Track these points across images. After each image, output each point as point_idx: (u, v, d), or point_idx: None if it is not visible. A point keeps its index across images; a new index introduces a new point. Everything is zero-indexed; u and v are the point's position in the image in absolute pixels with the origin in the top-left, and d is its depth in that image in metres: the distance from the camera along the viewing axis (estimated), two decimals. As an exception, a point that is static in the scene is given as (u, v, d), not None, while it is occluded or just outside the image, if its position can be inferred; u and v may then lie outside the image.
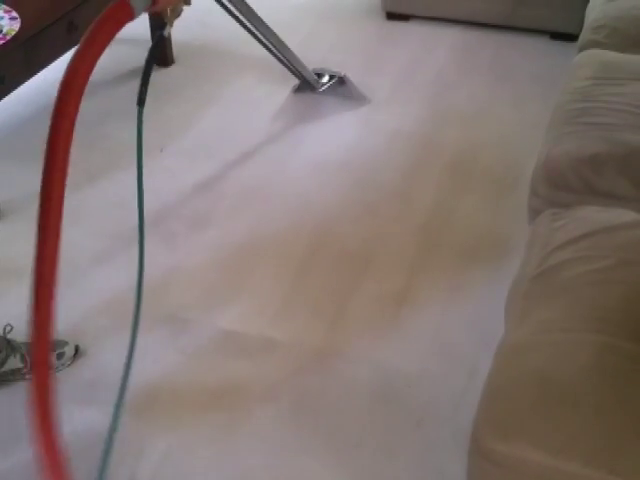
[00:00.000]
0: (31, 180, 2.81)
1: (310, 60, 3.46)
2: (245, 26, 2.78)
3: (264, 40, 2.84)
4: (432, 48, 3.59)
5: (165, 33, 1.95)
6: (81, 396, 1.97)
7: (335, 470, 1.79)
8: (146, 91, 1.90)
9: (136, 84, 3.36)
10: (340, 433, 1.88)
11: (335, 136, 2.99)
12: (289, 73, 3.38)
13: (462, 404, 1.92)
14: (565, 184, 1.97)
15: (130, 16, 1.47)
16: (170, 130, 3.01)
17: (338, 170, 2.80)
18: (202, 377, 2.02)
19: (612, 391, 1.36)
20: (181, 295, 2.27)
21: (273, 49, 2.89)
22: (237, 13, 2.74)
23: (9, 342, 1.98)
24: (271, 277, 2.34)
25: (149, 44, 3.34)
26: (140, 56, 3.51)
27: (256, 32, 2.81)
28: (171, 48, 3.40)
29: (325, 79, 3.16)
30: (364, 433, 1.88)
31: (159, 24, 3.27)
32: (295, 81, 3.19)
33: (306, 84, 3.12)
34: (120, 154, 2.87)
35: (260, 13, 3.84)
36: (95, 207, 2.60)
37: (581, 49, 2.56)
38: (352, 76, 3.36)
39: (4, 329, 1.97)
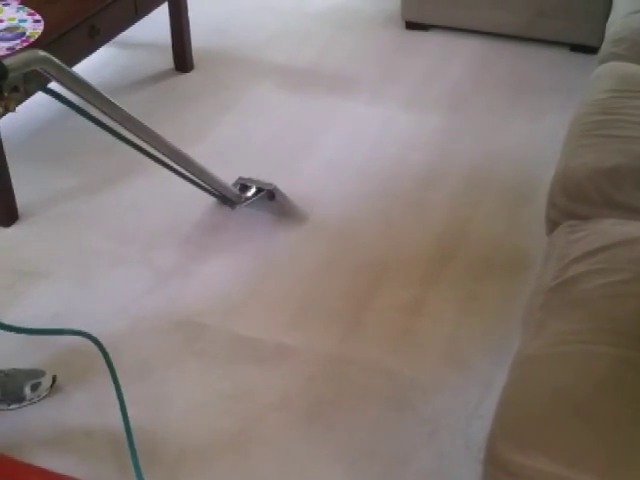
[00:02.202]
0: (49, 182, 2.86)
1: (327, 69, 3.48)
2: (133, 143, 2.23)
3: (163, 158, 2.30)
4: (451, 58, 3.59)
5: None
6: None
7: (346, 478, 1.79)
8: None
9: (155, 89, 3.41)
10: (353, 442, 1.87)
11: (351, 144, 2.99)
12: (305, 81, 3.39)
13: (475, 415, 1.91)
14: (583, 196, 1.96)
15: None
16: (187, 135, 3.02)
17: (353, 179, 2.80)
18: (216, 383, 2.02)
19: (628, 404, 1.36)
20: (196, 301, 2.27)
21: (177, 168, 2.35)
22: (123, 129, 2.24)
23: None
24: (285, 284, 2.34)
25: (169, 49, 3.39)
26: (159, 61, 3.55)
27: (153, 150, 2.28)
28: (191, 54, 3.42)
29: (251, 192, 2.57)
30: (376, 442, 1.87)
31: (178, 31, 3.30)
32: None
33: (225, 201, 2.58)
34: (137, 159, 2.87)
35: (277, 22, 3.90)
36: (112, 211, 2.62)
37: (601, 62, 2.55)
38: (369, 85, 3.38)
39: None
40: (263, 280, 2.35)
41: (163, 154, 2.27)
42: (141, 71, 3.45)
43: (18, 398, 1.93)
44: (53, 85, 1.95)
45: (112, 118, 2.16)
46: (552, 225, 2.00)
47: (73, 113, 3.19)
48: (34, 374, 1.97)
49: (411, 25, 3.82)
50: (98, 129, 2.99)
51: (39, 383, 1.96)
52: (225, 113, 3.16)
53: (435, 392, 2.00)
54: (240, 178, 2.60)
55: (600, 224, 1.84)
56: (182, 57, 3.40)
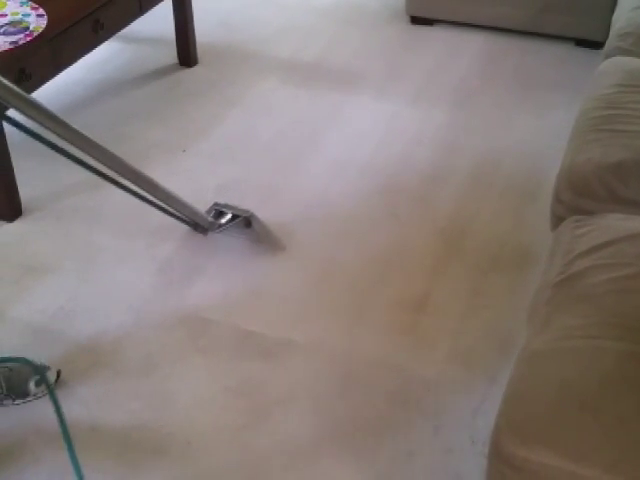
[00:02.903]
0: (54, 177, 2.86)
1: (333, 64, 3.48)
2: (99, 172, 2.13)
3: (130, 185, 2.19)
4: (456, 53, 3.58)
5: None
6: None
7: (353, 473, 1.79)
8: None
9: (159, 84, 3.42)
10: (358, 436, 1.87)
11: (356, 140, 2.99)
12: (310, 76, 3.39)
13: (480, 410, 1.91)
14: (589, 191, 1.96)
15: None
16: (192, 131, 3.02)
17: (359, 174, 2.80)
18: (221, 378, 2.02)
19: (633, 399, 1.35)
20: (201, 296, 2.27)
21: (145, 195, 2.23)
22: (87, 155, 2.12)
23: None
24: (291, 279, 2.34)
25: (173, 43, 3.39)
26: (163, 55, 3.55)
27: (120, 177, 2.16)
28: (195, 48, 3.41)
29: (225, 219, 2.45)
30: (382, 437, 1.87)
31: (182, 26, 3.29)
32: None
33: (197, 228, 2.46)
34: (143, 154, 2.88)
35: (283, 17, 3.89)
36: (117, 206, 2.62)
37: (607, 56, 2.55)
38: (375, 80, 3.37)
39: None
40: (268, 276, 2.35)
41: (129, 180, 2.15)
42: (145, 66, 3.45)
43: (23, 393, 1.93)
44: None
45: (71, 143, 2.05)
46: (557, 220, 2.00)
47: (78, 108, 3.21)
48: (39, 369, 1.96)
49: (416, 20, 3.82)
50: (104, 124, 3.02)
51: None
52: (229, 108, 3.16)
53: (440, 387, 2.00)
54: (215, 204, 2.48)
55: (606, 219, 1.84)
56: (186, 52, 3.40)
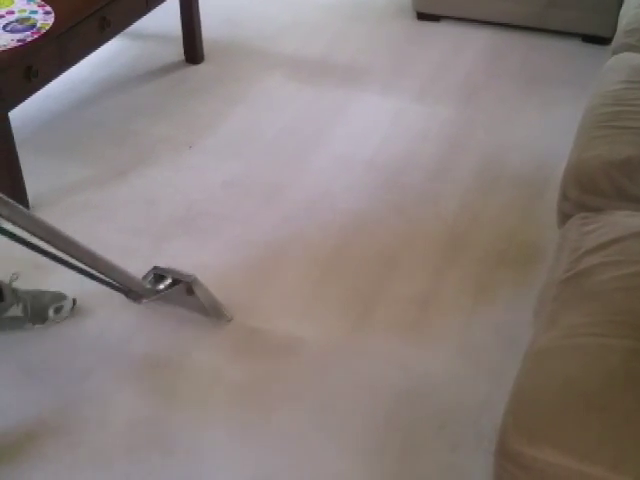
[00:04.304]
0: (60, 174, 2.87)
1: (338, 60, 3.47)
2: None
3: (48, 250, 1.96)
4: (462, 49, 3.58)
5: None
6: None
7: (358, 471, 1.79)
8: None
9: (165, 81, 3.43)
10: (363, 434, 1.87)
11: (362, 136, 2.99)
12: (316, 73, 3.39)
13: (487, 407, 1.91)
14: (596, 188, 1.95)
15: None
16: (198, 127, 3.02)
17: (365, 170, 2.79)
18: (227, 375, 2.02)
19: (639, 397, 1.35)
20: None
21: (64, 258, 1.99)
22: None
23: (14, 292, 2.06)
24: (297, 276, 2.34)
25: (179, 40, 3.39)
26: (170, 52, 3.56)
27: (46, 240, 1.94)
28: (201, 45, 3.41)
29: (164, 285, 2.16)
30: (388, 434, 1.87)
31: (188, 22, 3.30)
32: None
33: (130, 295, 2.15)
34: (149, 150, 2.89)
35: (288, 13, 3.89)
36: (124, 203, 2.62)
37: (614, 52, 2.54)
38: (380, 76, 3.37)
39: (10, 278, 2.06)
40: (275, 272, 2.35)
41: (66, 251, 1.96)
42: (151, 63, 3.45)
43: (42, 319, 2.10)
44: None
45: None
46: (564, 217, 1.99)
47: (85, 105, 3.22)
48: (57, 297, 2.13)
49: (422, 16, 3.81)
50: (111, 121, 3.02)
51: (62, 306, 2.12)
52: (235, 105, 3.16)
53: (447, 384, 1.99)
54: (155, 267, 2.19)
55: (613, 216, 1.83)
56: (192, 49, 3.40)
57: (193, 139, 2.96)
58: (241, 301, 2.24)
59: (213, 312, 2.17)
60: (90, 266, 2.00)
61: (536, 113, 3.11)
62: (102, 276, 2.05)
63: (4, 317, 2.06)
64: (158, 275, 2.17)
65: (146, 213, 2.57)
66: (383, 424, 1.90)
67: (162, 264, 2.35)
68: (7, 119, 2.41)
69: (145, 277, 2.17)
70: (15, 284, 2.08)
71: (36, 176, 2.65)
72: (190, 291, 2.14)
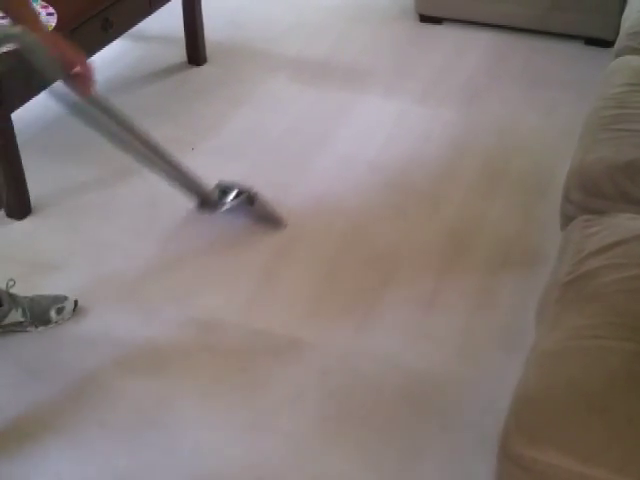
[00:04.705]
0: (62, 175, 2.86)
1: (341, 62, 3.48)
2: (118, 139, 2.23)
3: (139, 150, 2.28)
4: (465, 52, 3.58)
5: None
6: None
7: (360, 471, 1.79)
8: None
9: (168, 83, 3.43)
10: (366, 434, 1.87)
11: (365, 137, 2.99)
12: (319, 74, 3.39)
13: (489, 408, 1.91)
14: (599, 191, 1.95)
15: None
16: (201, 129, 3.03)
17: (367, 171, 2.80)
18: (229, 376, 2.02)
19: (643, 400, 1.35)
20: (210, 294, 2.28)
21: (152, 161, 2.32)
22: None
23: (12, 296, 2.06)
24: (300, 277, 2.34)
25: (182, 42, 3.39)
26: (173, 54, 3.56)
27: (139, 147, 2.26)
28: (204, 47, 3.42)
29: (230, 197, 2.49)
30: (390, 435, 1.87)
31: (191, 24, 3.30)
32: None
33: (203, 204, 2.52)
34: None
35: (291, 15, 3.89)
36: (126, 204, 2.62)
37: (617, 55, 2.54)
38: (383, 78, 3.37)
39: (7, 284, 2.06)
40: (277, 273, 2.35)
41: (147, 150, 2.26)
42: (154, 64, 3.45)
43: (45, 321, 2.11)
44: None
45: (94, 106, 2.11)
46: (567, 219, 2.00)
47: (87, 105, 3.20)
48: (58, 299, 2.14)
49: (425, 18, 3.81)
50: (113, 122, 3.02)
51: (63, 307, 2.13)
52: (238, 106, 3.16)
53: (449, 386, 1.99)
54: (219, 182, 2.50)
55: (615, 218, 1.83)
56: (195, 50, 3.40)
57: (196, 140, 2.96)
58: (243, 302, 2.25)
59: (271, 219, 2.49)
60: (174, 174, 2.35)
61: (538, 116, 3.11)
62: (182, 185, 2.39)
63: (5, 323, 2.06)
64: (222, 190, 2.48)
65: (148, 214, 2.57)
66: (385, 425, 1.90)
67: (165, 266, 2.36)
68: (10, 120, 2.41)
69: (212, 191, 2.47)
70: (13, 290, 2.07)
71: (38, 177, 2.65)
72: (251, 201, 2.46)
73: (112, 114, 2.15)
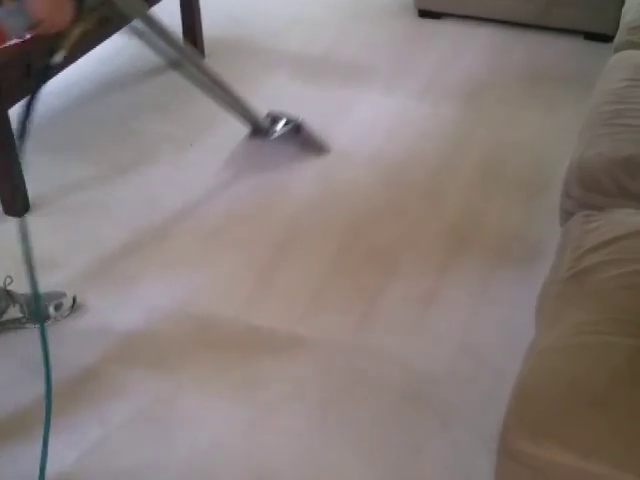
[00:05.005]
0: (62, 172, 2.86)
1: (341, 58, 3.47)
2: (180, 65, 2.56)
3: (207, 84, 2.61)
4: (464, 47, 3.57)
5: (54, 61, 1.61)
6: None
7: (361, 468, 1.79)
8: (28, 123, 1.61)
9: (167, 79, 3.42)
10: (366, 431, 1.87)
11: (364, 134, 2.99)
12: (318, 70, 3.38)
13: (489, 405, 1.91)
14: (598, 186, 1.95)
15: (1, 40, 1.39)
16: (200, 125, 3.02)
17: (367, 168, 2.79)
18: (229, 373, 2.02)
19: (643, 395, 1.35)
20: (210, 290, 2.27)
21: (219, 93, 2.66)
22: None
23: (8, 293, 2.07)
24: (300, 274, 2.34)
25: (180, 38, 3.38)
26: (171, 51, 3.54)
27: (200, 75, 2.59)
28: (202, 43, 3.41)
29: (280, 125, 2.83)
30: (390, 432, 1.87)
31: (189, 19, 3.31)
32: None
33: (256, 131, 2.83)
34: (151, 149, 2.89)
35: (290, 10, 3.88)
36: (125, 201, 2.62)
37: (616, 50, 2.54)
38: (382, 74, 3.36)
39: (4, 281, 2.07)
40: (277, 270, 2.35)
41: (211, 83, 2.60)
42: (152, 60, 3.43)
43: (43, 317, 2.11)
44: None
45: (171, 46, 2.50)
46: (566, 215, 1.99)
47: (86, 102, 3.21)
48: (56, 295, 2.14)
49: (424, 13, 3.81)
50: (112, 118, 3.02)
51: (61, 303, 2.13)
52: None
53: (449, 382, 1.99)
54: (270, 112, 2.84)
55: (615, 214, 1.83)
56: (194, 46, 3.38)
57: (194, 136, 2.95)
58: (243, 299, 2.24)
59: (316, 146, 2.81)
60: (231, 102, 2.67)
61: (538, 111, 3.11)
62: (238, 113, 2.71)
63: (4, 320, 2.07)
64: (273, 119, 2.81)
65: (148, 211, 2.57)
66: (386, 422, 1.89)
67: (164, 263, 2.36)
68: (7, 117, 2.41)
69: (264, 120, 2.78)
70: (11, 287, 2.07)
71: (37, 174, 2.64)
72: (298, 129, 2.80)
73: (173, 42, 2.48)
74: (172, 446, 1.83)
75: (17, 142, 1.67)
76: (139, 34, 2.41)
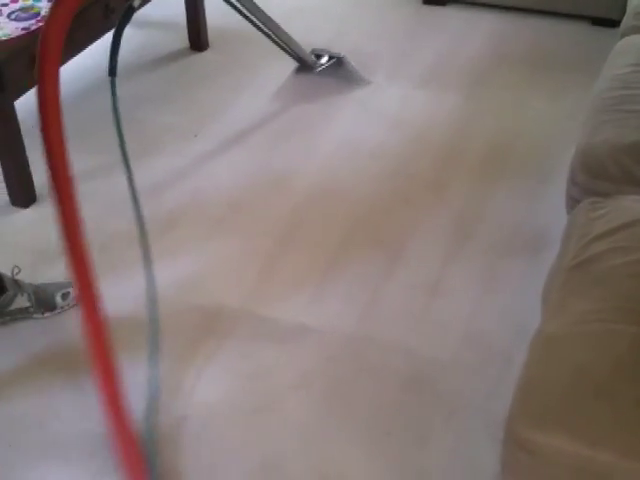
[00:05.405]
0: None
1: (344, 46, 3.45)
2: (234, 6, 2.83)
3: (256, 22, 2.89)
4: (469, 34, 3.55)
5: (135, 3, 1.92)
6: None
7: (366, 457, 1.79)
8: (116, 60, 1.88)
9: (170, 68, 3.42)
10: (371, 421, 1.87)
11: (368, 122, 2.98)
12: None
13: (495, 394, 1.90)
14: (604, 173, 1.94)
15: None
16: (204, 115, 3.02)
17: (370, 158, 2.78)
18: (235, 363, 2.02)
19: (649, 383, 1.34)
20: (215, 280, 2.27)
21: (266, 30, 2.93)
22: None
23: (17, 282, 2.08)
24: (304, 264, 2.33)
25: (184, 27, 3.38)
26: (175, 40, 3.54)
27: (247, 14, 2.86)
28: (206, 32, 3.40)
29: (324, 60, 3.16)
30: (395, 421, 1.87)
31: (193, 9, 3.31)
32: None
33: (304, 65, 3.15)
34: (155, 139, 2.88)
35: (293, -1, 3.87)
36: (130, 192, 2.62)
37: (623, 35, 2.52)
38: (387, 62, 3.35)
39: (12, 270, 2.08)
40: (281, 261, 2.35)
41: (265, 25, 2.88)
42: (156, 50, 3.44)
43: (51, 307, 2.12)
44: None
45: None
46: (572, 203, 1.98)
47: (90, 93, 3.21)
48: (63, 285, 2.14)
49: (429, 0, 3.78)
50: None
51: (68, 292, 2.12)
52: (241, 92, 3.15)
53: (454, 371, 1.99)
54: (314, 49, 3.17)
55: (621, 201, 1.82)
56: (197, 36, 3.38)
57: (198, 127, 2.95)
58: (248, 289, 2.24)
59: (357, 78, 3.13)
60: (286, 43, 2.98)
61: (544, 98, 3.09)
62: (288, 48, 3.01)
63: (12, 309, 2.08)
64: (317, 54, 3.18)
65: (152, 202, 2.56)
66: (391, 411, 1.89)
67: (169, 254, 2.36)
68: (13, 108, 2.41)
69: (309, 55, 3.12)
70: (18, 277, 2.09)
71: (42, 166, 2.63)
72: (341, 63, 3.14)
73: None
74: (178, 437, 1.83)
75: (110, 80, 1.86)
76: None
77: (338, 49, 3.39)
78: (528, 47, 3.44)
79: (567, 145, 2.32)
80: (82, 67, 3.22)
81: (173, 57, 3.39)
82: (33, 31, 2.41)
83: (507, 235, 2.42)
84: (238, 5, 2.79)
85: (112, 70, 1.86)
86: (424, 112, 3.02)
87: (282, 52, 3.40)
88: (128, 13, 2.02)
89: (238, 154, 2.80)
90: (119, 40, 1.87)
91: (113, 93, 1.95)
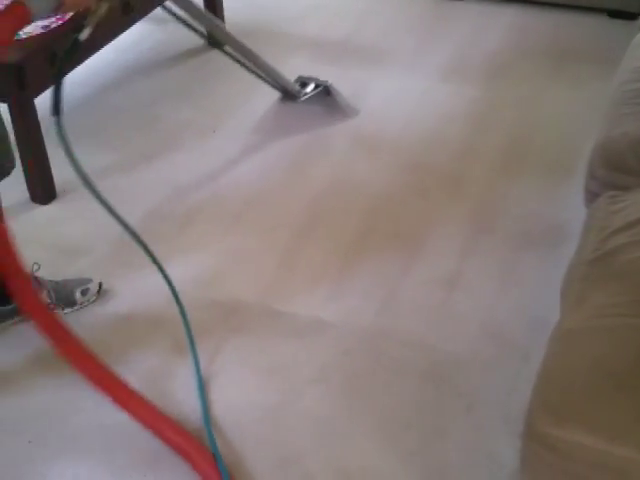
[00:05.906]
0: (87, 159, 2.86)
1: (362, 41, 3.45)
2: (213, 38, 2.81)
3: (236, 54, 2.78)
4: (487, 28, 3.53)
5: (82, 37, 1.72)
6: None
7: (384, 452, 1.80)
8: (60, 97, 1.76)
9: (189, 64, 3.42)
10: (389, 415, 1.88)
11: (387, 116, 2.97)
12: (339, 54, 3.37)
13: (514, 388, 1.90)
14: (624, 166, 1.93)
15: (26, 19, 1.47)
16: (222, 110, 3.03)
17: (389, 151, 2.78)
18: (252, 357, 2.03)
19: (669, 378, 1.34)
20: (233, 276, 2.28)
21: (246, 62, 2.80)
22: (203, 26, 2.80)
23: (37, 279, 2.09)
24: (321, 259, 2.34)
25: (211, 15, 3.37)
26: (193, 36, 3.55)
27: (229, 46, 2.78)
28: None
29: (309, 88, 2.96)
30: (414, 415, 1.87)
31: (211, 6, 3.29)
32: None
33: (287, 94, 2.96)
34: (175, 135, 2.90)
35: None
36: (150, 188, 2.63)
37: (641, 28, 2.50)
38: (405, 56, 3.34)
39: (32, 267, 2.08)
40: (299, 255, 2.35)
41: (245, 57, 2.75)
42: (176, 46, 3.45)
43: (70, 303, 2.14)
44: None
45: (201, 23, 2.74)
46: (591, 196, 1.97)
47: (110, 90, 3.22)
48: (82, 281, 2.17)
49: (447, -6, 3.77)
50: (135, 105, 3.04)
51: (88, 289, 2.16)
52: (259, 87, 3.15)
53: (473, 365, 1.99)
54: (300, 76, 2.98)
55: (641, 194, 1.81)
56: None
57: (217, 122, 2.96)
58: (266, 284, 2.25)
59: (345, 108, 2.93)
60: (265, 73, 2.80)
61: (563, 91, 3.07)
62: (273, 81, 2.83)
63: None
64: (302, 83, 2.96)
65: (172, 197, 2.58)
66: (409, 405, 1.90)
67: (188, 249, 2.37)
68: (33, 106, 2.43)
69: (293, 83, 2.92)
70: (38, 273, 2.10)
71: (63, 162, 2.65)
72: (328, 92, 2.93)
73: (203, 18, 2.71)
74: (197, 432, 1.85)
75: (54, 119, 1.80)
76: (172, 14, 2.58)
77: (355, 46, 3.39)
78: (546, 40, 3.42)
79: (586, 138, 2.30)
80: (102, 63, 3.24)
81: (191, 53, 3.40)
82: (53, 29, 2.42)
83: (526, 229, 2.42)
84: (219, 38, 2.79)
85: (55, 108, 1.69)
86: (443, 105, 3.01)
87: (299, 48, 3.41)
88: (73, 47, 1.76)
89: (256, 149, 2.81)
90: (62, 76, 1.68)
91: (59, 133, 1.83)
